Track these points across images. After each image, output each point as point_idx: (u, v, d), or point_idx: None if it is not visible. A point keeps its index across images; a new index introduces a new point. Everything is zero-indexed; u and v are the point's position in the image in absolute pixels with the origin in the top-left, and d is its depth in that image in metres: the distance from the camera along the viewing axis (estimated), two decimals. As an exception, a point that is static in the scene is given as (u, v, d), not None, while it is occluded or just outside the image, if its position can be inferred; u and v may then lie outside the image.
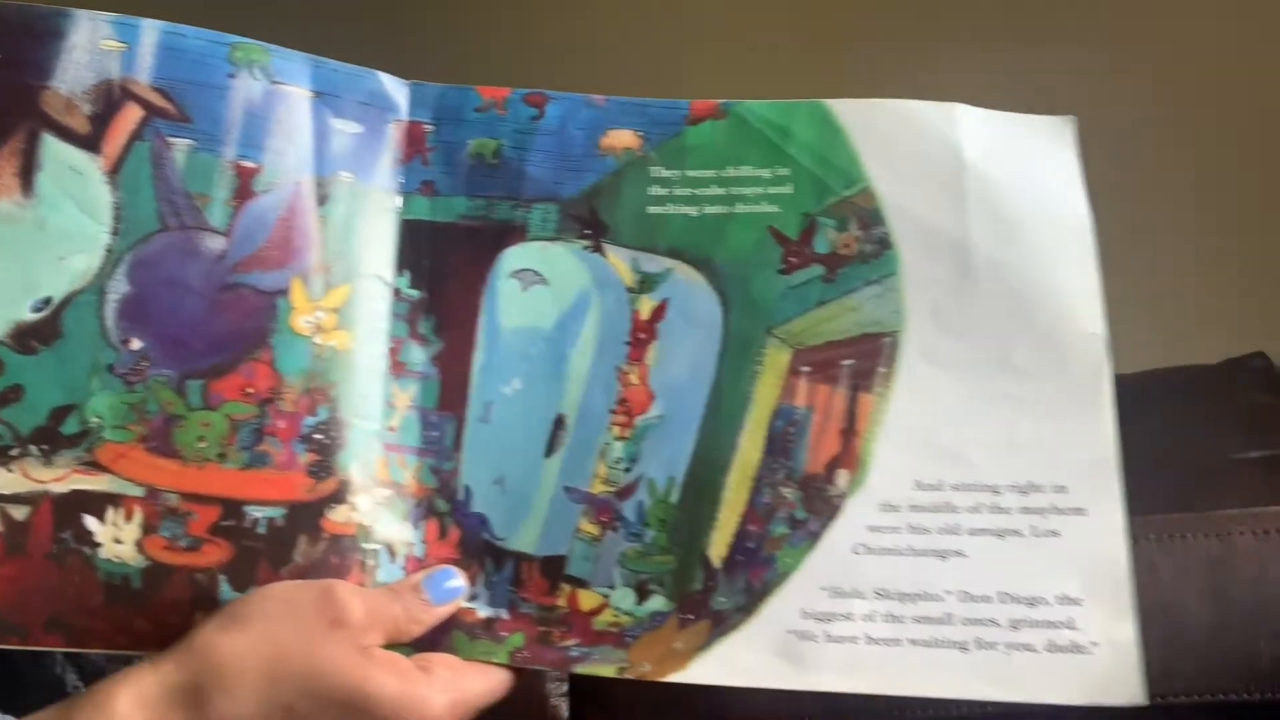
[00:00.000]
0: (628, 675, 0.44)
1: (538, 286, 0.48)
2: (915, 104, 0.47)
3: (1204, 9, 1.49)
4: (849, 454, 0.45)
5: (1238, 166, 1.52)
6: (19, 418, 0.45)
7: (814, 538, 0.44)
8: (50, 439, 0.45)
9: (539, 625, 0.45)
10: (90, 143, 0.47)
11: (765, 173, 0.47)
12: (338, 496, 0.46)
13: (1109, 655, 0.41)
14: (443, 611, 0.45)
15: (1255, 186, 1.52)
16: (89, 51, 0.47)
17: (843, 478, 0.44)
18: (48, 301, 0.46)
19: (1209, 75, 1.50)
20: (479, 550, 0.47)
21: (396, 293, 0.49)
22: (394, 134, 0.50)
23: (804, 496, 0.44)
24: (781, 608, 0.43)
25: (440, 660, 0.43)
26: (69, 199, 0.46)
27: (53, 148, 0.46)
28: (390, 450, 0.48)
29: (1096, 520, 0.42)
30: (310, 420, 0.46)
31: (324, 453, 0.46)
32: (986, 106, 0.49)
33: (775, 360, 0.46)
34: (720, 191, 0.48)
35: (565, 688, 0.65)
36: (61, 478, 0.45)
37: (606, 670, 0.44)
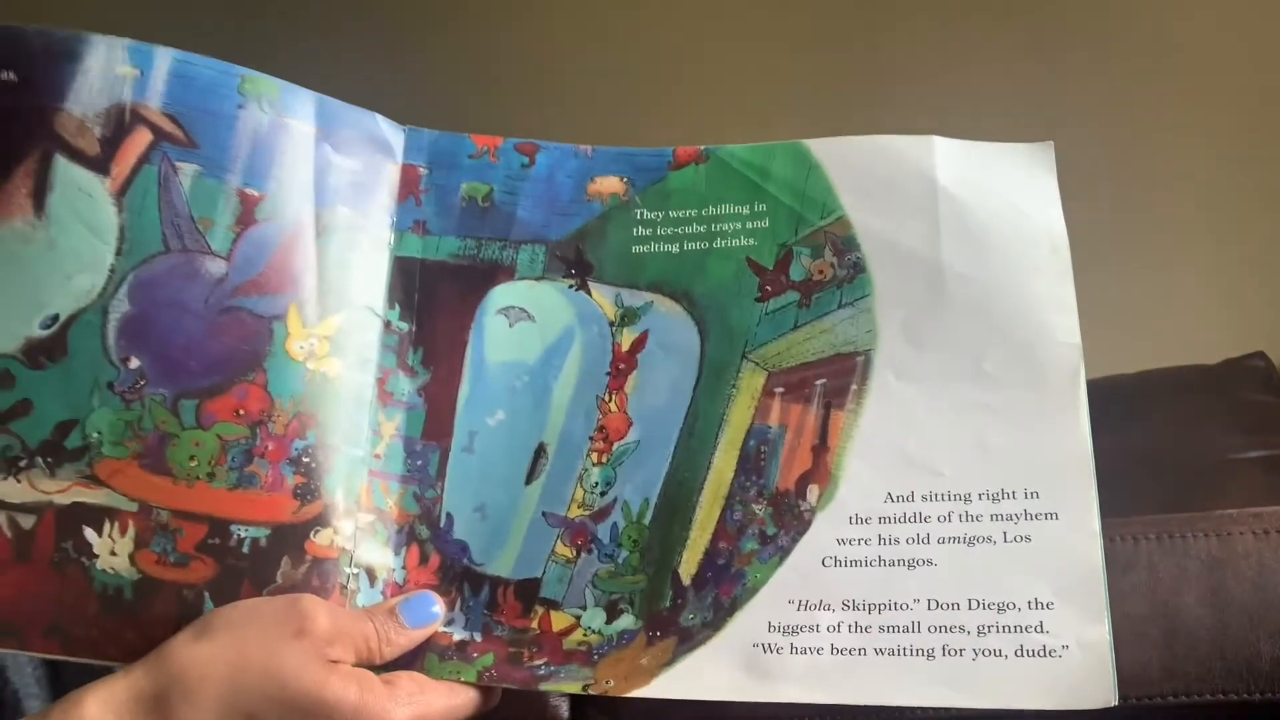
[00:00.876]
0: (591, 691, 0.46)
1: (524, 323, 0.50)
2: (891, 138, 0.49)
3: (1207, 12, 1.46)
4: (820, 469, 0.46)
5: (1239, 168, 1.50)
6: (28, 431, 0.47)
7: (784, 552, 0.45)
8: (54, 452, 0.47)
9: (510, 646, 0.47)
10: (100, 165, 0.48)
11: (744, 209, 0.49)
12: (321, 520, 0.48)
13: (1079, 657, 0.42)
14: (418, 635, 0.47)
15: (1255, 188, 1.50)
16: (103, 75, 0.49)
17: (813, 492, 0.46)
18: (55, 319, 0.48)
19: (1210, 78, 1.47)
20: (458, 576, 0.49)
21: (387, 325, 0.50)
22: (390, 174, 0.51)
23: (774, 512, 0.46)
24: (748, 622, 0.45)
25: (406, 676, 0.46)
26: (78, 220, 0.48)
27: (64, 170, 0.48)
28: (374, 476, 0.49)
29: (1069, 523, 0.43)
30: (299, 444, 0.48)
31: (310, 476, 0.48)
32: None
33: (750, 383, 0.48)
34: (701, 229, 0.49)
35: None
36: (64, 490, 0.47)
37: (571, 687, 0.46)
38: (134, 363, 0.48)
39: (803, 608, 0.44)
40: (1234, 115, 1.49)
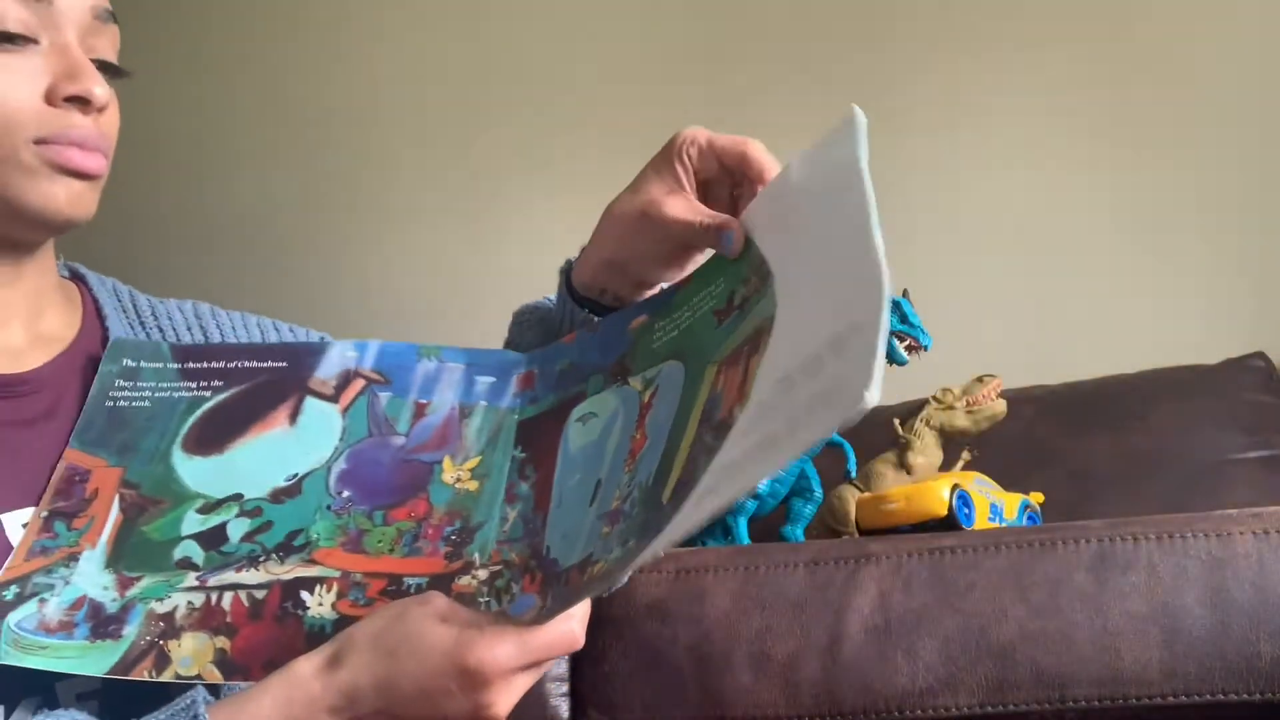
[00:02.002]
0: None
1: (592, 420, 0.71)
2: None
3: (1211, 15, 1.59)
4: (742, 394, 0.61)
5: (1238, 169, 1.52)
6: (267, 540, 0.69)
7: (716, 450, 0.59)
8: (285, 549, 0.69)
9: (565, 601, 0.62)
10: (332, 398, 0.76)
11: (712, 287, 0.71)
12: (463, 570, 0.67)
13: (849, 375, 0.51)
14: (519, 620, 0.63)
15: (1255, 189, 1.51)
16: (338, 358, 0.78)
17: (738, 410, 0.60)
18: (295, 475, 0.72)
19: (1211, 80, 1.56)
20: (551, 580, 0.65)
21: (513, 458, 0.73)
22: (516, 378, 0.77)
23: (716, 434, 0.60)
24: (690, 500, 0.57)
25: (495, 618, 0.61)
26: (317, 426, 0.75)
27: (310, 402, 0.76)
28: (502, 544, 0.69)
29: (864, 327, 0.53)
30: (449, 529, 0.69)
31: (456, 546, 0.68)
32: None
33: (709, 376, 0.66)
34: (689, 314, 0.71)
35: (565, 688, 0.72)
36: (289, 571, 0.68)
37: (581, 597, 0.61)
38: (346, 493, 0.71)
39: (722, 468, 0.56)
40: (1234, 117, 1.54)
